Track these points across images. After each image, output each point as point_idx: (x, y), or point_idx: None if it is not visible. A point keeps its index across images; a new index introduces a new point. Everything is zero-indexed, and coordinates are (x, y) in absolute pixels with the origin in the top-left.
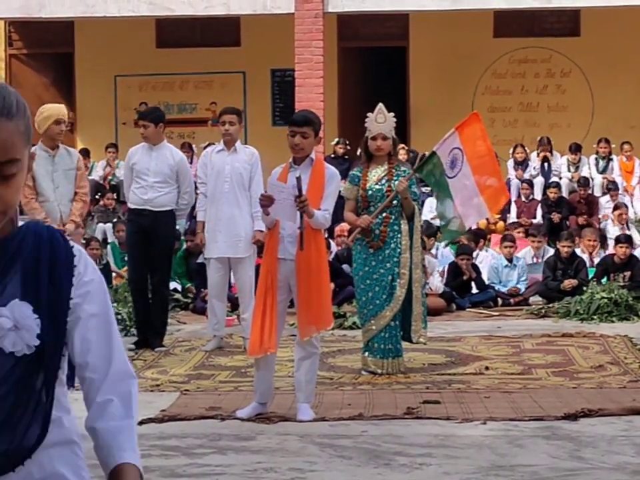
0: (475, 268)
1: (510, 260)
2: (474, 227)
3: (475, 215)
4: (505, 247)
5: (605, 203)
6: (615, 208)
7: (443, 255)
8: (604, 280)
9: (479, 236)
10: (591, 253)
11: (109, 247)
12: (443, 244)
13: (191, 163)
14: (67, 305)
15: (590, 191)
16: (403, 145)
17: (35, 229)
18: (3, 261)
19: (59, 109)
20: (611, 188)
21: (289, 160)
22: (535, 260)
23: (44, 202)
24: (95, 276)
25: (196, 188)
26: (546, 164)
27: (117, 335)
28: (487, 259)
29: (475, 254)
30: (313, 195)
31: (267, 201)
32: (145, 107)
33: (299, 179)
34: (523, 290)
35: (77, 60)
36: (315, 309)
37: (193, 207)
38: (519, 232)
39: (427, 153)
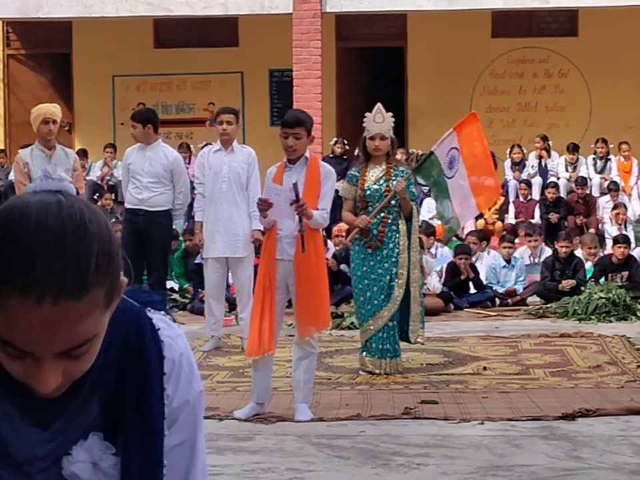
0: (474, 268)
1: (508, 260)
2: (473, 227)
3: (469, 215)
4: (504, 248)
5: (605, 203)
6: (614, 207)
7: (442, 254)
8: (602, 280)
9: (481, 237)
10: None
11: None
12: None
13: (189, 163)
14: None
15: (588, 191)
16: (402, 151)
17: (123, 334)
18: (80, 395)
19: (46, 108)
20: (612, 188)
21: (284, 159)
22: (532, 260)
23: None
24: (188, 395)
25: (193, 188)
26: (543, 162)
27: (199, 460)
28: (486, 260)
29: (475, 255)
30: (310, 194)
31: (265, 206)
32: (142, 107)
33: (295, 185)
34: (520, 290)
35: (74, 60)
36: (314, 310)
37: (192, 207)
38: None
39: (421, 152)
